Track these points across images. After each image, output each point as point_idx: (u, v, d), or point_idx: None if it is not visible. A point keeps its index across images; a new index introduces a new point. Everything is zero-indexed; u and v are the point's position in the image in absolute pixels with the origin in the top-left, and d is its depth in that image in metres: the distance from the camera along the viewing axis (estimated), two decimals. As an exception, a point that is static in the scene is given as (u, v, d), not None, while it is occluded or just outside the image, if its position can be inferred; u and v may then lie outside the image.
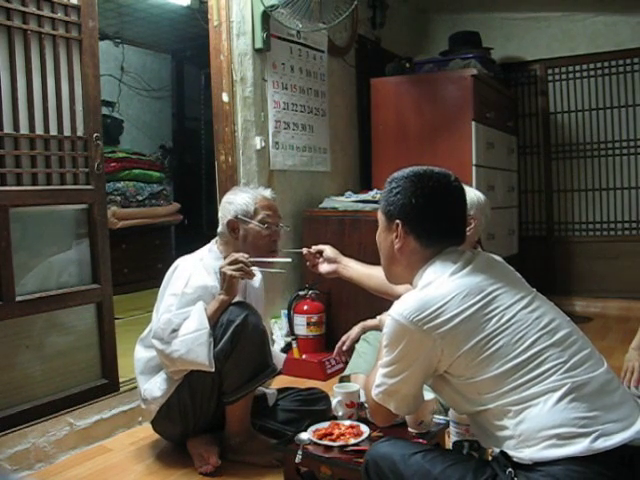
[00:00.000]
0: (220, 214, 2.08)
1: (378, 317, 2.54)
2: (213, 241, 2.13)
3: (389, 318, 1.30)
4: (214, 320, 1.88)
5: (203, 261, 2.03)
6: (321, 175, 3.58)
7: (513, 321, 1.25)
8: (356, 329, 2.52)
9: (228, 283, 1.91)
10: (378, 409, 1.41)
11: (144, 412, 2.07)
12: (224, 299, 1.91)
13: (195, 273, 1.97)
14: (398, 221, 1.37)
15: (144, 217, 4.61)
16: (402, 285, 1.53)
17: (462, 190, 1.40)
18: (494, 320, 1.24)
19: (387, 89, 3.73)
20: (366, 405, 1.98)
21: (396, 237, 1.38)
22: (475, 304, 1.25)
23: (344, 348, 2.45)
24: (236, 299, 2.00)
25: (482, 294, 1.27)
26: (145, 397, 2.01)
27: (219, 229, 2.08)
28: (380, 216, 1.43)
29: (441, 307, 1.24)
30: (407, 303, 1.28)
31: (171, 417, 1.98)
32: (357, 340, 2.49)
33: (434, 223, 1.36)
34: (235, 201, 2.04)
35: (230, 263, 1.91)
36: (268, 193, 2.11)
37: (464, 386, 1.28)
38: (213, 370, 1.84)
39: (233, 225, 2.03)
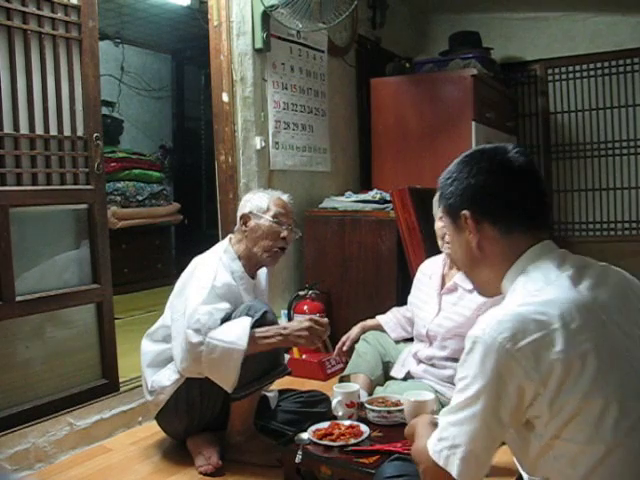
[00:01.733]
0: (238, 212, 2.16)
1: (377, 317, 2.56)
2: (227, 240, 2.15)
3: (470, 340, 0.98)
4: (257, 350, 1.85)
5: (222, 261, 2.04)
6: (321, 175, 3.58)
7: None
8: (356, 329, 2.53)
9: (297, 339, 1.89)
10: (437, 476, 1.02)
11: (150, 405, 2.06)
12: (281, 339, 1.87)
13: (220, 270, 1.98)
14: (464, 212, 1.09)
15: (144, 217, 4.61)
16: None
17: (528, 160, 1.11)
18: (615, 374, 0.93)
19: (387, 89, 3.73)
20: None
21: (469, 233, 1.09)
22: (593, 340, 0.93)
23: (344, 348, 2.46)
24: (249, 298, 2.03)
25: (603, 328, 0.95)
26: (153, 388, 2.00)
27: (236, 227, 2.15)
28: (445, 220, 1.16)
29: (550, 333, 0.93)
30: (500, 322, 0.95)
31: (177, 411, 1.98)
32: (357, 340, 2.50)
33: (503, 200, 1.07)
34: (252, 199, 2.13)
35: (318, 325, 1.91)
36: (285, 197, 2.18)
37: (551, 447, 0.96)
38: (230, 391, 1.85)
39: (245, 219, 2.09)
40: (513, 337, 0.93)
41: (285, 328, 1.90)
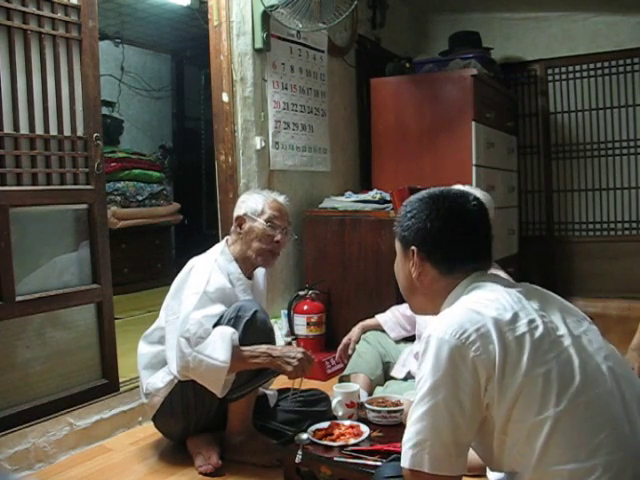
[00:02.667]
0: (234, 213, 2.15)
1: (377, 316, 2.56)
2: (224, 242, 2.15)
3: (424, 341, 1.08)
4: (243, 368, 1.85)
5: (217, 262, 2.03)
6: (321, 175, 3.58)
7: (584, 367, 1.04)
8: (357, 330, 2.54)
9: (285, 362, 1.85)
10: None
11: (146, 407, 2.06)
12: (268, 360, 1.85)
13: (214, 274, 1.98)
14: (414, 248, 1.22)
15: (144, 217, 4.61)
16: None
17: (484, 211, 1.24)
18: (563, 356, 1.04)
19: (387, 89, 3.73)
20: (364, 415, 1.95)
21: (413, 265, 1.23)
22: (537, 327, 1.05)
23: (350, 352, 2.46)
24: (245, 297, 2.02)
25: (534, 317, 1.07)
26: (148, 391, 2.01)
27: (232, 228, 2.14)
28: (396, 244, 1.31)
29: (488, 322, 1.05)
30: (449, 320, 1.07)
31: (173, 413, 1.98)
32: (358, 340, 2.51)
33: (452, 249, 1.20)
34: (247, 200, 2.12)
35: (307, 360, 1.89)
36: (281, 198, 2.16)
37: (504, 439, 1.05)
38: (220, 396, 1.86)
39: (240, 221, 2.08)
40: (461, 328, 1.03)
41: (275, 350, 1.88)
